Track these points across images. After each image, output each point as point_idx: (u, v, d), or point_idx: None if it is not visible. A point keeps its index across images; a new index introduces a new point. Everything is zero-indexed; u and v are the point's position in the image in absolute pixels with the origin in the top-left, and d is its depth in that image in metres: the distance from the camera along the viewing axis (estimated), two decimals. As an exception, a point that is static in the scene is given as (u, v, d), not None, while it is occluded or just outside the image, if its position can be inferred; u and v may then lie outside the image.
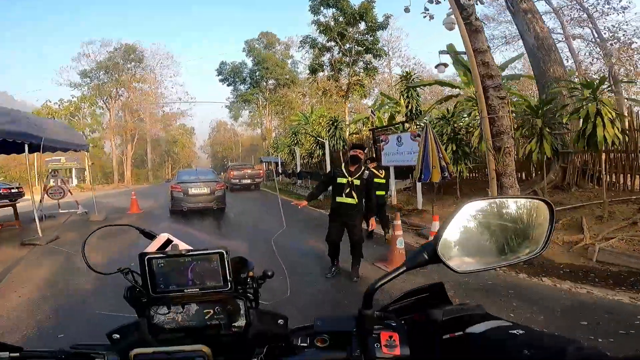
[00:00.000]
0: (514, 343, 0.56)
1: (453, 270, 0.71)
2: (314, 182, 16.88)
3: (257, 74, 41.42)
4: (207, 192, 11.06)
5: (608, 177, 7.81)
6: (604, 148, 6.39)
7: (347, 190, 4.49)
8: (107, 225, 1.10)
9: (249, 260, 0.83)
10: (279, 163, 25.68)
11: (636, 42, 18.28)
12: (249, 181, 20.39)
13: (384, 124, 16.62)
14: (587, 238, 5.92)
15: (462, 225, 0.73)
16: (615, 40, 17.18)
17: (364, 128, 20.56)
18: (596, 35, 17.63)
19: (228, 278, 0.76)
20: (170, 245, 0.87)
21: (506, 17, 25.03)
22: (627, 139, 6.76)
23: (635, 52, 17.41)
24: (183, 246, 0.86)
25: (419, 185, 9.61)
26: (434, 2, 13.04)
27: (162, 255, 0.76)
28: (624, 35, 17.27)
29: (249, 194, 18.78)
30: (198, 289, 0.76)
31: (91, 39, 65.65)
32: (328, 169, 16.09)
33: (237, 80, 43.15)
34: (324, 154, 17.66)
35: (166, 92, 48.31)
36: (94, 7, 76.75)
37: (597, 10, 17.52)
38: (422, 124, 13.96)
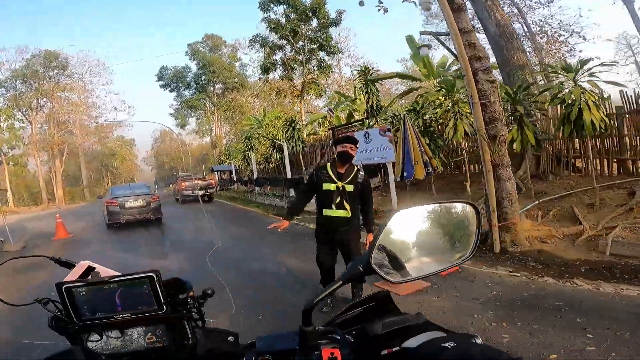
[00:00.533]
0: (444, 357, 0.57)
1: (388, 281, 0.71)
2: (273, 189, 15.75)
3: (202, 78, 39.38)
4: (143, 204, 11.93)
5: (588, 163, 7.61)
6: (591, 133, 6.02)
7: (338, 200, 3.37)
8: (14, 258, 0.98)
9: (186, 280, 0.79)
10: (233, 171, 24.16)
11: (563, 35, 19.47)
12: (202, 192, 18.81)
13: (342, 123, 15.98)
14: (587, 229, 5.49)
15: (394, 235, 0.74)
16: (543, 34, 18.06)
17: (320, 129, 19.84)
18: (526, 30, 18.32)
19: (162, 300, 0.73)
20: (92, 273, 0.79)
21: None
22: (611, 122, 6.51)
23: (563, 45, 18.42)
24: (107, 272, 0.83)
25: (392, 184, 8.91)
26: (386, -6, 12.76)
27: (81, 283, 0.73)
28: (551, 28, 18.24)
29: (202, 206, 17.19)
30: (130, 314, 0.73)
31: (4, 46, 59.34)
32: (288, 173, 15.07)
33: (180, 85, 40.78)
34: (282, 158, 16.62)
35: (99, 102, 44.43)
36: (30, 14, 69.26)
37: (525, 5, 18.28)
38: (385, 119, 13.47)
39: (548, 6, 23.46)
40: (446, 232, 0.82)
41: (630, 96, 7.09)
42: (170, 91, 41.60)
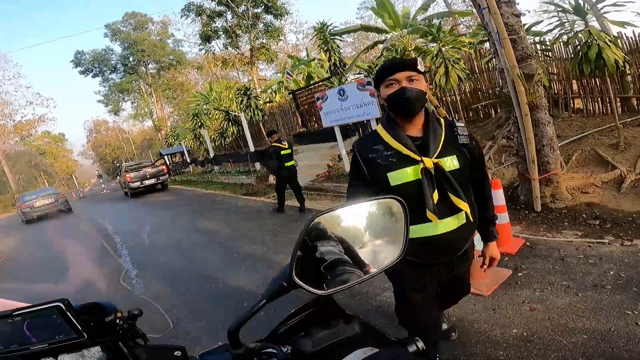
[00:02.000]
0: None
1: (314, 293, 0.65)
2: (236, 165, 14.10)
3: (130, 59, 35.49)
4: (52, 201, 15.50)
5: (589, 103, 7.06)
6: (615, 71, 5.35)
7: (436, 197, 1.43)
8: None
9: (107, 303, 0.74)
10: (185, 152, 21.87)
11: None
12: (152, 181, 16.54)
13: (301, 87, 14.51)
14: (624, 172, 4.76)
15: (314, 242, 0.67)
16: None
17: (277, 96, 18.17)
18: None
19: (78, 327, 0.68)
20: None
21: None
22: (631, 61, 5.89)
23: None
24: (11, 305, 0.78)
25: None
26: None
27: None
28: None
29: (156, 197, 15.15)
30: (47, 344, 0.68)
31: None
32: (250, 145, 13.49)
33: (104, 69, 36.38)
34: (240, 130, 14.90)
35: (9, 98, 38.51)
36: None
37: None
38: (359, 73, 12.19)
39: None
40: (374, 231, 0.75)
41: (630, 37, 6.65)
42: (94, 76, 37.50)
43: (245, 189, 11.26)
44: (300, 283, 0.64)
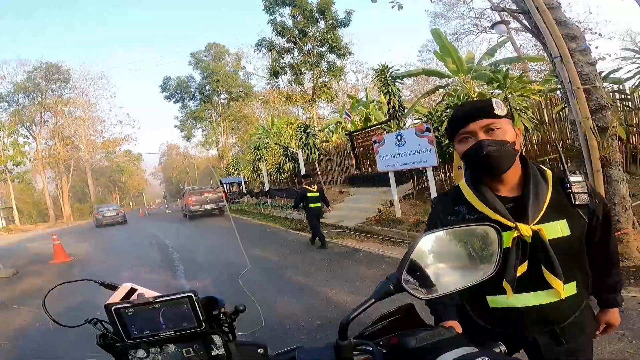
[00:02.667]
0: None
1: (417, 298, 0.75)
2: (288, 200, 14.47)
3: (207, 87, 38.45)
4: (115, 214, 21.45)
5: None
6: None
7: (524, 268, 1.14)
8: (63, 283, 0.97)
9: (219, 297, 0.82)
10: (242, 183, 22.96)
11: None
12: (211, 206, 17.67)
13: (358, 128, 14.79)
14: None
15: (421, 256, 0.78)
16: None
17: (334, 135, 18.65)
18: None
19: (201, 318, 0.77)
20: (136, 294, 0.85)
21: (455, 13, 24.71)
22: None
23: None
24: (149, 293, 0.85)
25: (433, 189, 7.66)
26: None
27: (129, 304, 0.76)
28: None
29: (214, 221, 15.98)
30: (173, 332, 0.77)
31: (5, 59, 58.76)
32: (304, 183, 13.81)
33: (185, 96, 39.86)
34: (295, 167, 15.40)
35: (103, 116, 43.61)
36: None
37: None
38: (419, 118, 12.21)
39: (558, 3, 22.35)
40: (469, 252, 0.85)
41: None
42: (175, 102, 40.74)
43: (296, 224, 11.49)
44: (406, 287, 0.73)
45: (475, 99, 9.24)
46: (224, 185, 24.93)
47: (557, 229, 1.12)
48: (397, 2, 11.81)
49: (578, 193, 1.14)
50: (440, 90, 11.97)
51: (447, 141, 7.28)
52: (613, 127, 3.93)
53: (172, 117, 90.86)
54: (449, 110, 8.26)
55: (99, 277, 0.90)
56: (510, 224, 1.10)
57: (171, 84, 39.12)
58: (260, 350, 0.82)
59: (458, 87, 10.34)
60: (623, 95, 6.54)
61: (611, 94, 6.23)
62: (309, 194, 7.72)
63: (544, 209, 1.11)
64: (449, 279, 0.80)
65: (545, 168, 1.20)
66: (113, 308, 0.75)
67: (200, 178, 55.37)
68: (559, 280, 1.11)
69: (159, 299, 0.76)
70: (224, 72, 37.25)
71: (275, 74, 20.39)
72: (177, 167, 60.38)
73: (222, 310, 0.81)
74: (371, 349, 0.76)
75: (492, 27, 7.12)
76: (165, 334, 0.77)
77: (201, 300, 0.78)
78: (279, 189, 16.46)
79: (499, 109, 1.10)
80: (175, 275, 6.78)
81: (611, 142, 3.93)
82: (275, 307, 4.37)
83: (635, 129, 6.74)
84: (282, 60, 20.78)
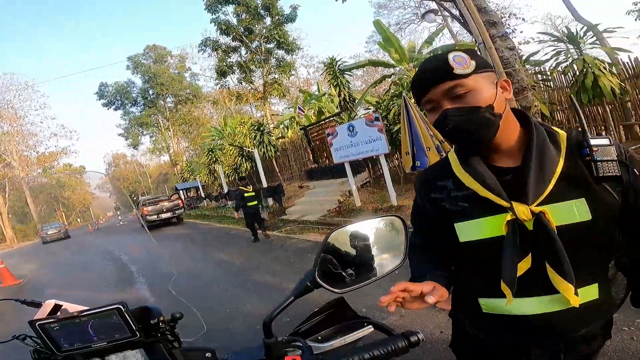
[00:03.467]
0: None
1: (333, 292, 0.79)
2: (249, 200, 14.45)
3: (150, 92, 37.05)
4: (58, 231, 25.99)
5: (592, 131, 7.22)
6: (612, 98, 5.52)
7: (525, 266, 0.85)
8: None
9: (153, 306, 0.84)
10: (199, 187, 22.50)
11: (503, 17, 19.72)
12: (168, 214, 17.43)
13: (312, 122, 15.06)
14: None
15: (334, 251, 0.84)
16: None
17: (289, 131, 18.79)
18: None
19: (134, 327, 0.78)
20: (60, 310, 0.88)
21: (397, 3, 25.67)
22: (628, 87, 6.11)
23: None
24: (75, 308, 0.87)
25: (388, 178, 8.06)
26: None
27: (53, 319, 0.78)
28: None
29: (171, 230, 15.62)
30: (105, 343, 0.79)
31: None
32: (263, 181, 13.89)
33: (125, 102, 38.01)
34: (253, 166, 15.40)
35: (34, 129, 40.46)
36: None
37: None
38: (367, 108, 12.60)
39: None
40: (380, 243, 0.89)
41: (627, 62, 6.84)
42: (115, 109, 38.99)
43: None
44: (322, 283, 0.79)
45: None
46: (180, 191, 24.33)
47: (572, 212, 0.83)
48: None
49: (603, 161, 0.83)
50: (387, 79, 12.46)
51: (396, 128, 7.68)
52: (535, 106, 4.46)
53: (114, 125, 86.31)
54: (395, 98, 8.69)
55: (50, 297, 0.95)
56: (503, 203, 0.85)
57: (109, 90, 37.37)
58: (207, 355, 0.85)
59: (403, 76, 10.88)
60: (544, 76, 7.20)
61: (533, 75, 6.88)
62: (245, 194, 8.66)
63: (553, 183, 0.84)
64: (361, 271, 0.85)
65: (557, 129, 0.91)
66: (37, 324, 0.78)
67: (154, 186, 53.28)
68: (567, 282, 0.82)
69: (84, 313, 0.78)
70: (168, 74, 36.09)
71: (222, 73, 20.12)
72: (127, 177, 57.61)
73: (161, 318, 0.83)
74: (301, 344, 0.81)
75: (423, 16, 7.61)
76: (97, 345, 0.79)
77: (134, 310, 0.80)
78: (236, 189, 16.37)
79: (460, 66, 0.84)
80: (130, 288, 6.68)
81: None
82: (242, 309, 4.43)
83: (557, 106, 7.50)
84: (229, 60, 20.54)
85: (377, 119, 8.02)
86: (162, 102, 38.31)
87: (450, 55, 0.85)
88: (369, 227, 0.91)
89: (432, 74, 0.87)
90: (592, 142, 0.85)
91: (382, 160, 8.23)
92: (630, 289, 0.95)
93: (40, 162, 41.02)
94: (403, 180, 9.14)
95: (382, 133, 7.89)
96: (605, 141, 0.85)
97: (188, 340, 0.94)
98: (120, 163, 59.73)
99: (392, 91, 9.91)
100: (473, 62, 0.85)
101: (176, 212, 17.84)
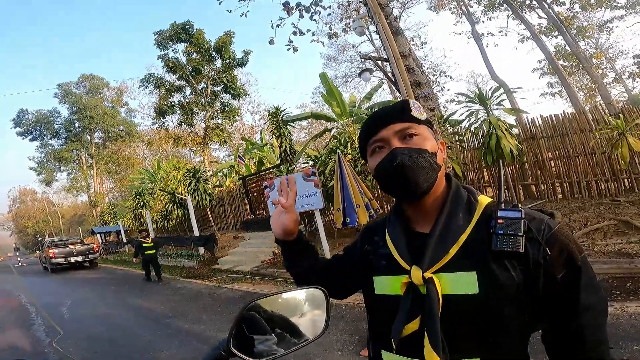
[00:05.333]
0: None
1: None
2: (177, 248, 13.99)
3: (76, 125, 34.98)
4: None
5: (500, 191, 8.21)
6: (510, 160, 6.49)
7: (411, 328, 0.86)
8: None
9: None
10: (122, 231, 21.16)
11: (435, 75, 22.60)
12: (80, 258, 16.58)
13: (252, 172, 15.37)
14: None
15: (252, 320, 0.83)
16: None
17: (227, 180, 18.81)
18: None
19: None
20: None
21: (345, 57, 28.25)
22: (523, 149, 7.18)
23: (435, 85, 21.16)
24: None
25: (322, 232, 8.48)
26: (299, 34, 13.11)
27: None
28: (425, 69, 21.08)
29: (82, 274, 14.51)
30: None
31: None
32: (195, 230, 13.61)
33: (45, 132, 35.35)
34: (185, 214, 15.08)
35: None
36: None
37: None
38: (306, 162, 13.18)
39: (422, 48, 27.60)
40: (301, 314, 0.92)
41: (525, 123, 7.88)
42: (32, 140, 35.97)
43: (187, 271, 11.30)
44: (237, 352, 0.77)
45: (356, 141, 10.64)
46: (98, 234, 22.71)
47: (462, 283, 0.85)
48: (292, 45, 13.23)
49: (505, 234, 0.83)
50: (328, 132, 13.27)
51: (331, 183, 8.25)
52: (448, 167, 5.20)
53: (26, 158, 78.87)
54: (332, 153, 9.38)
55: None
56: (405, 266, 0.90)
57: (28, 118, 34.77)
58: None
59: (342, 131, 11.76)
60: (459, 137, 8.13)
61: (451, 135, 7.85)
62: (144, 244, 10.70)
63: (452, 252, 0.86)
64: (281, 341, 0.85)
65: (481, 196, 0.94)
66: None
67: (66, 227, 48.50)
68: (433, 352, 0.82)
69: None
70: (101, 107, 34.68)
71: (162, 113, 19.95)
72: (34, 216, 51.99)
73: None
74: None
75: (359, 74, 8.50)
76: None
77: None
78: (166, 237, 15.77)
79: (417, 111, 0.92)
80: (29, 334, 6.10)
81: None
82: (161, 357, 4.40)
83: (469, 166, 8.34)
84: (171, 99, 20.51)
85: (314, 173, 8.51)
86: (89, 137, 36.27)
87: (410, 100, 0.94)
88: (291, 298, 0.95)
89: (390, 112, 0.93)
90: (500, 213, 0.86)
91: (317, 215, 8.65)
92: None
93: None
94: (337, 234, 9.60)
95: (318, 188, 8.35)
96: (515, 214, 0.85)
97: None
98: (28, 199, 54.14)
99: (331, 146, 10.61)
100: (425, 114, 0.95)
101: (89, 256, 16.98)
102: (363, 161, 9.37)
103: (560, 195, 7.61)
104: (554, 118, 7.50)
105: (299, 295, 0.96)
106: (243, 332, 0.81)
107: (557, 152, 7.56)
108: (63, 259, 16.26)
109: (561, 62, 22.04)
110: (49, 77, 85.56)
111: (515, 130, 7.52)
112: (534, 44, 21.38)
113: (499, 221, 0.84)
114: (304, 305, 0.94)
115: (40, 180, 40.06)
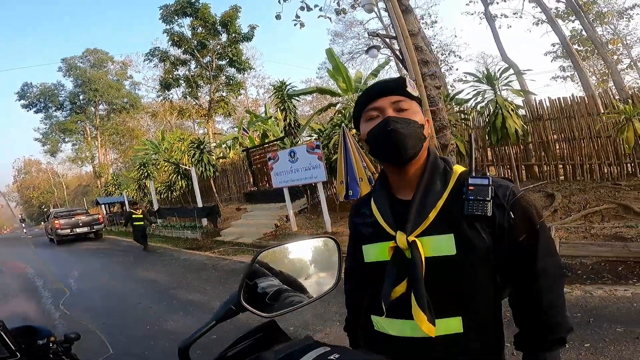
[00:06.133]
0: None
1: (261, 316, 0.74)
2: (182, 220, 14.16)
3: (81, 97, 34.93)
4: None
5: (501, 170, 8.25)
6: (515, 140, 6.49)
7: (399, 290, 0.95)
8: None
9: (41, 327, 0.82)
10: (126, 202, 21.37)
11: (444, 54, 22.24)
12: (85, 229, 16.47)
13: (256, 144, 15.37)
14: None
15: (260, 273, 0.79)
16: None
17: (231, 152, 18.84)
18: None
19: (12, 347, 0.74)
20: None
21: (352, 33, 27.71)
22: (528, 129, 7.16)
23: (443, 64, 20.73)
24: None
25: (324, 205, 8.58)
26: (306, 10, 12.86)
27: None
28: (434, 48, 20.57)
29: (88, 245, 14.67)
30: None
31: None
32: (199, 201, 13.75)
33: (50, 105, 35.39)
34: (189, 185, 15.17)
35: None
36: None
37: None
38: (310, 135, 13.15)
39: (432, 27, 27.02)
40: (313, 264, 0.87)
41: (532, 105, 7.89)
42: (37, 112, 36.03)
43: (190, 243, 11.43)
44: (248, 306, 0.73)
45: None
46: (102, 205, 22.94)
47: (441, 246, 0.92)
48: (299, 21, 13.01)
49: (474, 200, 0.91)
50: (333, 107, 13.22)
51: (335, 157, 8.28)
52: (452, 144, 5.22)
53: (32, 129, 78.78)
54: (336, 127, 9.37)
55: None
56: (391, 231, 0.97)
57: (32, 92, 34.71)
58: None
59: (347, 106, 11.69)
60: (465, 115, 8.16)
61: (457, 113, 7.82)
62: (134, 216, 11.41)
63: (431, 217, 0.93)
64: (292, 294, 0.81)
65: (456, 166, 1.03)
66: None
67: (70, 198, 49.04)
68: (422, 313, 0.89)
69: None
70: (105, 80, 34.47)
71: (167, 85, 19.87)
72: (39, 187, 52.46)
73: (51, 339, 0.81)
74: None
75: (366, 51, 8.39)
76: None
77: (14, 329, 0.79)
78: (170, 208, 15.94)
79: (412, 88, 0.99)
80: (27, 306, 6.27)
81: (450, 157, 5.21)
82: (167, 327, 4.44)
83: (474, 144, 8.46)
84: (176, 72, 20.36)
85: (318, 146, 8.58)
86: (93, 109, 36.26)
87: (407, 78, 1.01)
88: (302, 248, 0.89)
89: (387, 85, 1.01)
90: (471, 181, 0.94)
91: (320, 188, 8.73)
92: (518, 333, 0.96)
93: None
94: (339, 208, 9.70)
95: (321, 161, 8.44)
96: (484, 181, 0.93)
97: None
98: (33, 170, 54.50)
99: (335, 120, 10.62)
100: (417, 92, 1.04)
101: (95, 227, 16.99)
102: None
103: (562, 177, 7.65)
104: (562, 100, 7.46)
105: (310, 244, 0.91)
106: (255, 286, 0.77)
107: (562, 134, 7.58)
108: (69, 230, 16.27)
109: (576, 46, 21.57)
110: (53, 53, 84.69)
111: (522, 111, 7.52)
112: (549, 27, 20.80)
113: (469, 188, 0.92)
114: (315, 255, 0.90)
115: (45, 151, 40.29)
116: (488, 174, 0.97)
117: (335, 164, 8.91)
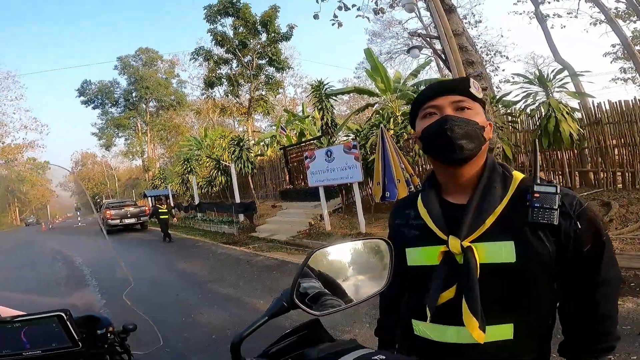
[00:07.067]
0: None
1: (312, 314, 0.75)
2: (220, 214, 14.47)
3: (133, 94, 36.95)
4: None
5: (551, 175, 7.65)
6: (570, 145, 5.98)
7: (447, 295, 0.93)
8: None
9: (102, 316, 0.81)
10: (170, 196, 22.22)
11: (489, 54, 21.09)
12: (132, 220, 17.28)
13: (293, 143, 15.39)
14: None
15: (314, 271, 0.79)
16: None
17: (268, 150, 19.05)
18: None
19: (76, 337, 0.74)
20: None
21: (390, 33, 27.08)
22: (585, 134, 6.61)
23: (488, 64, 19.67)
24: (8, 312, 0.85)
25: (359, 205, 8.37)
26: (344, 9, 12.65)
27: None
28: (478, 48, 19.49)
29: (134, 236, 15.38)
30: (40, 351, 0.74)
31: None
32: (237, 196, 13.96)
33: (106, 101, 37.68)
34: (228, 180, 15.47)
35: (6, 119, 39.02)
36: None
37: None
38: (347, 135, 12.98)
39: (476, 26, 25.81)
40: (363, 266, 0.87)
41: (589, 108, 7.26)
42: (94, 108, 38.56)
43: (227, 238, 11.61)
44: (299, 304, 0.73)
45: (399, 117, 10.28)
46: (149, 198, 23.94)
47: (499, 252, 0.88)
48: (337, 20, 12.85)
49: (541, 208, 0.87)
50: (371, 107, 12.95)
51: (372, 157, 8.05)
52: (498, 147, 4.86)
53: (89, 124, 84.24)
54: (374, 128, 9.12)
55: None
56: (442, 235, 0.93)
57: (91, 89, 37.08)
58: None
59: (385, 106, 11.39)
60: (512, 118, 7.64)
61: (503, 116, 7.33)
62: (160, 210, 12.94)
63: (489, 223, 0.89)
64: (341, 294, 0.81)
65: (516, 173, 0.96)
66: None
67: (121, 190, 51.93)
68: (472, 317, 0.87)
69: (19, 318, 0.74)
70: (155, 78, 36.17)
71: (210, 84, 20.45)
72: (93, 178, 55.97)
73: (110, 329, 0.80)
74: None
75: (408, 51, 8.11)
76: (30, 353, 0.74)
77: (78, 319, 0.77)
78: (209, 203, 16.34)
79: (476, 89, 0.94)
80: (79, 294, 6.55)
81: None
82: (201, 319, 4.51)
83: (520, 148, 7.81)
84: (219, 71, 20.89)
85: (354, 146, 8.38)
86: (144, 106, 38.21)
87: (471, 79, 0.96)
88: (352, 249, 0.88)
89: (450, 84, 0.97)
90: (537, 188, 0.89)
91: (356, 188, 8.54)
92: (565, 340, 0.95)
93: (5, 153, 39.42)
94: (374, 209, 9.45)
95: (358, 161, 8.24)
96: (551, 189, 0.88)
97: (140, 354, 0.90)
98: (89, 163, 58.19)
99: (373, 120, 10.37)
100: (482, 94, 0.97)
101: (141, 218, 17.72)
102: (405, 137, 9.17)
103: (620, 185, 7.01)
104: (622, 104, 6.84)
105: (361, 246, 0.90)
106: (305, 283, 0.79)
107: (622, 139, 6.97)
108: (118, 221, 17.04)
109: (638, 47, 19.86)
110: (108, 51, 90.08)
111: (577, 115, 6.99)
112: (608, 28, 19.27)
113: (535, 195, 0.88)
114: (366, 257, 0.89)
115: (100, 145, 42.86)
116: (555, 182, 0.93)
117: (371, 165, 8.67)
